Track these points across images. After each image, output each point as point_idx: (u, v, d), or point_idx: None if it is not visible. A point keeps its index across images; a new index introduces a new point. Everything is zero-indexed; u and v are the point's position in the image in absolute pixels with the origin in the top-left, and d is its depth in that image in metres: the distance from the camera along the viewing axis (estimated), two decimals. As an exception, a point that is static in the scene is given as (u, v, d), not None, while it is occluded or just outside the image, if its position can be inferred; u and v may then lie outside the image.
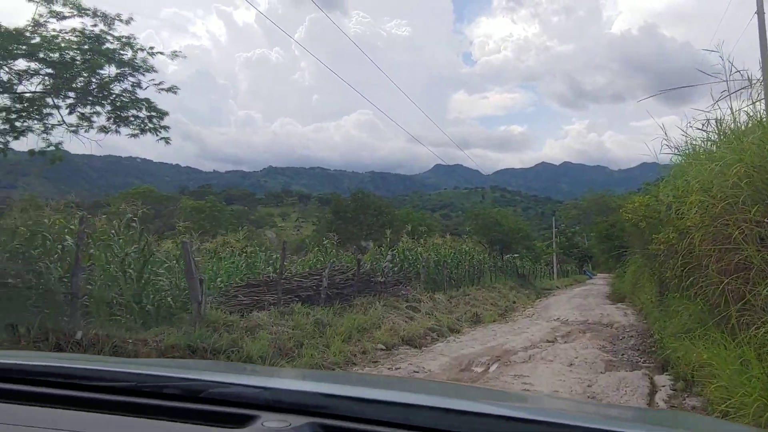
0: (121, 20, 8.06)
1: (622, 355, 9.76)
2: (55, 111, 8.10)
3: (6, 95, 7.61)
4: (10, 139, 8.15)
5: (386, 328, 11.01)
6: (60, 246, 6.77)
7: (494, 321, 15.03)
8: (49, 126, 8.35)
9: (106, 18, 7.84)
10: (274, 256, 14.71)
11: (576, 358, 8.99)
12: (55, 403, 1.26)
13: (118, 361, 2.50)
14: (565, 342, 11.11)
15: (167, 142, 9.14)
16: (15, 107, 7.85)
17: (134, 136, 8.64)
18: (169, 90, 8.75)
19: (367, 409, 1.23)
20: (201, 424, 1.17)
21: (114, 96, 8.11)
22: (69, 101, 8.05)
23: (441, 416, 1.20)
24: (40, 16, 7.53)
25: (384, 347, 9.73)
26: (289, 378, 2.23)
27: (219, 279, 10.93)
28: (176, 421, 1.19)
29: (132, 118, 8.42)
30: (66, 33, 7.67)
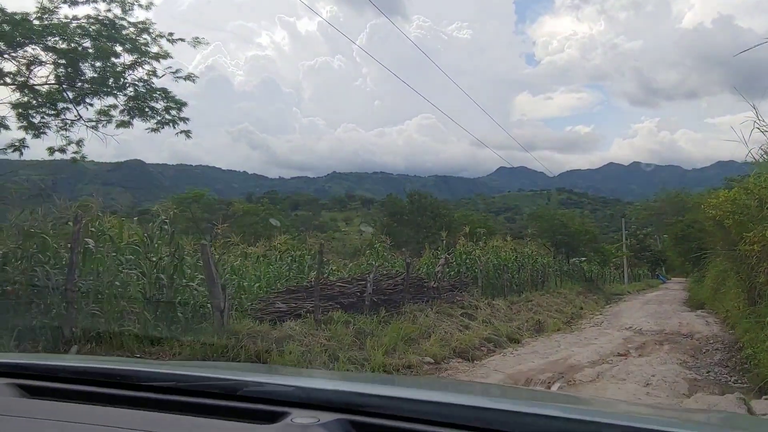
0: (140, 5, 7.58)
1: (708, 372, 8.46)
2: (71, 106, 7.67)
3: (14, 86, 7.23)
4: (28, 136, 7.79)
5: (437, 338, 10.09)
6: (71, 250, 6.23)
7: (558, 330, 13.78)
8: (68, 122, 7.94)
9: (123, 3, 7.37)
10: (324, 260, 14.08)
11: (653, 376, 7.78)
12: (101, 401, 1.31)
13: (157, 364, 2.67)
14: (640, 356, 9.85)
15: (188, 136, 8.61)
16: (29, 102, 7.49)
17: (154, 130, 8.16)
18: (187, 78, 8.20)
19: (396, 405, 1.25)
20: (236, 421, 1.22)
21: (128, 84, 7.62)
22: (83, 92, 7.61)
23: (475, 413, 1.20)
24: (50, 1, 7.15)
25: (432, 360, 8.82)
26: (321, 377, 2.30)
27: (258, 285, 10.31)
28: (213, 418, 1.23)
29: (148, 110, 7.90)
30: (78, 19, 7.26)
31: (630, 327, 14.25)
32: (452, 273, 16.66)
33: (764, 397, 6.82)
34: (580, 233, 34.02)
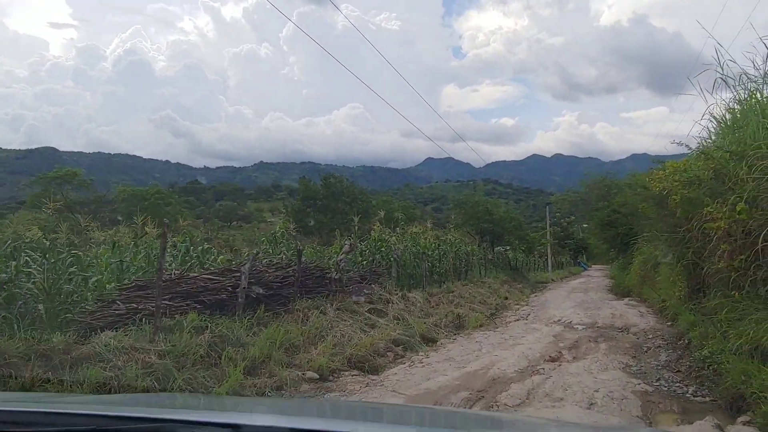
0: None
1: (658, 381, 6.82)
2: None
3: None
4: None
5: (330, 343, 8.02)
6: None
7: (481, 326, 12.03)
8: None
9: None
10: (206, 248, 11.68)
11: (596, 392, 6.01)
12: None
13: (76, 401, 2.30)
14: (574, 359, 8.15)
15: None
16: None
17: None
18: None
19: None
20: None
21: None
22: None
23: None
24: None
25: (316, 376, 6.73)
26: (262, 411, 2.14)
27: (94, 279, 7.86)
28: None
29: None
30: None
31: (559, 320, 12.74)
32: (364, 263, 14.70)
33: (740, 419, 5.16)
34: (505, 221, 32.91)
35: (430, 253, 17.33)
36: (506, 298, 20.15)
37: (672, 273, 10.72)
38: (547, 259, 45.36)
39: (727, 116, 8.22)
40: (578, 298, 19.38)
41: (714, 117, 8.37)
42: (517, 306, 17.89)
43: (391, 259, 14.30)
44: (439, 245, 18.93)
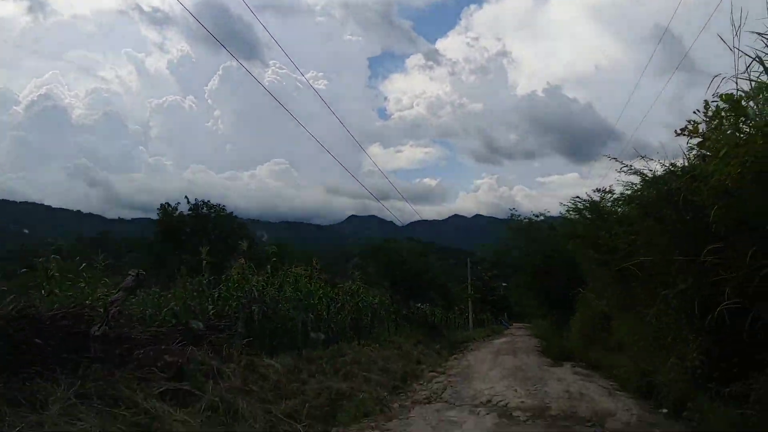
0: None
1: None
2: None
3: None
4: None
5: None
6: None
7: (366, 415, 7.44)
8: None
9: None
10: None
11: None
12: None
13: None
14: None
15: None
16: None
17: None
18: None
19: None
20: None
21: None
22: None
23: None
24: None
25: None
26: None
27: None
28: None
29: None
30: None
31: (489, 401, 8.37)
32: (211, 312, 9.97)
33: None
34: (423, 272, 28.77)
35: (314, 303, 12.67)
36: (419, 363, 15.70)
37: (673, 328, 6.58)
38: (468, 316, 41.48)
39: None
40: (508, 363, 15.18)
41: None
42: (432, 374, 13.45)
43: (238, 308, 9.55)
44: (330, 294, 14.31)
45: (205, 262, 11.15)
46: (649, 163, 7.19)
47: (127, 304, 8.58)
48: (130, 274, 7.25)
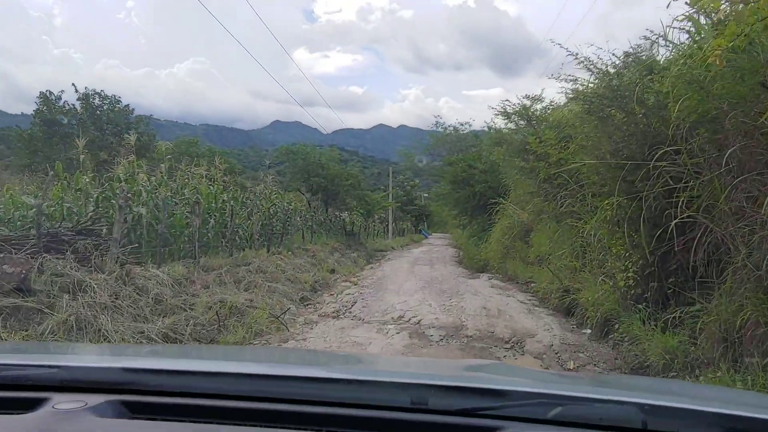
0: None
1: None
2: None
3: None
4: None
5: None
6: None
7: (257, 336, 6.48)
8: None
9: None
10: None
11: None
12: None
13: None
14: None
15: None
16: None
17: None
18: None
19: (171, 381, 1.12)
20: None
21: None
22: None
23: (256, 383, 1.11)
24: None
25: None
26: (87, 354, 1.89)
27: None
28: None
29: None
30: None
31: (402, 317, 7.62)
32: (89, 213, 8.50)
33: None
34: (342, 177, 27.63)
35: (213, 206, 11.34)
36: (333, 271, 14.97)
37: (607, 242, 5.89)
38: (387, 225, 41.29)
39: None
40: (425, 274, 14.68)
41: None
42: (345, 284, 12.71)
43: (112, 212, 8.13)
44: (234, 197, 12.97)
45: (83, 157, 9.50)
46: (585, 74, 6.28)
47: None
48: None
